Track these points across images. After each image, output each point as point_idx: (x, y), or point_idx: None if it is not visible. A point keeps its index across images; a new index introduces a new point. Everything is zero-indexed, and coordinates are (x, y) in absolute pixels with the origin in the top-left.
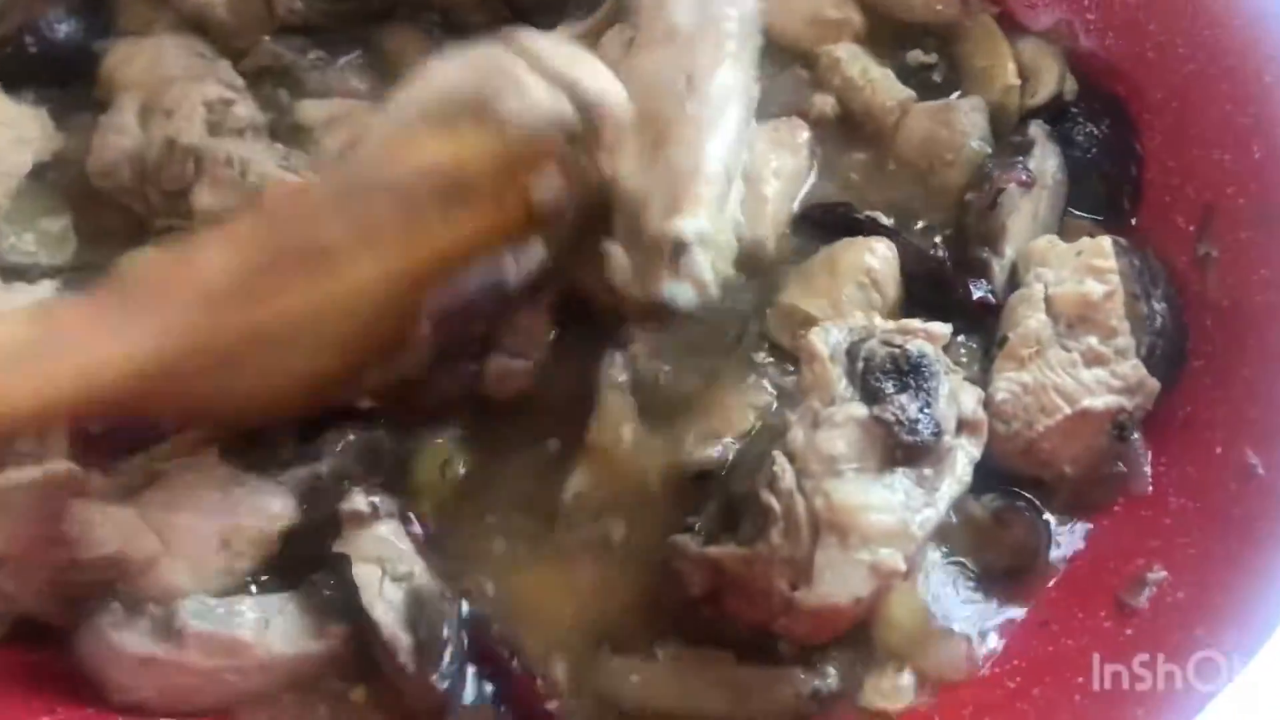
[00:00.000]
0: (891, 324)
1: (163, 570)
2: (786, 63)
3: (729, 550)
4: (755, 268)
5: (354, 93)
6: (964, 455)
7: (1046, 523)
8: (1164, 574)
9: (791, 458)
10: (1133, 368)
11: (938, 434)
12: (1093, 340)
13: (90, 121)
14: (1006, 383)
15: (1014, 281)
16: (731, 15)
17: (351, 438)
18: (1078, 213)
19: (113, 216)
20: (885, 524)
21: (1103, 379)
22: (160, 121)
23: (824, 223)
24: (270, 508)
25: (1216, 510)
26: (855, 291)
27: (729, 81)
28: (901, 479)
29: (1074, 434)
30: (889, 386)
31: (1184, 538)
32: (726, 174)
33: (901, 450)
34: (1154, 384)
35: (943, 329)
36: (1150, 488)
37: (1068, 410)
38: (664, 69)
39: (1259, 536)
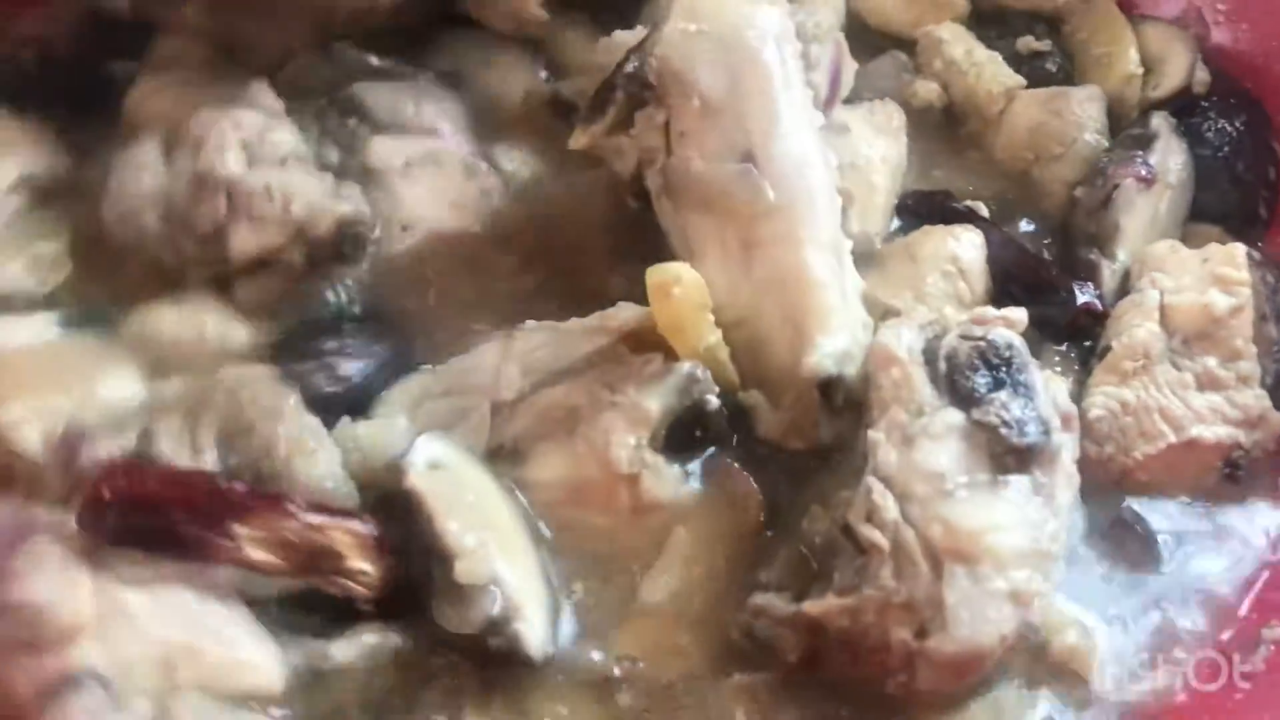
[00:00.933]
0: (964, 315)
1: (77, 651)
2: (883, 46)
3: (828, 603)
4: (862, 264)
5: (431, 129)
6: (1067, 453)
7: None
8: None
9: (888, 483)
10: (1255, 398)
11: (1047, 432)
12: (1211, 361)
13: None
14: (1104, 398)
15: (1125, 289)
16: (760, 38)
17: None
18: (1203, 219)
19: (134, 267)
20: (1016, 544)
21: (1218, 406)
22: (187, 155)
23: (919, 212)
24: (252, 664)
25: None
26: (940, 281)
27: (796, 124)
28: (1017, 489)
29: (1177, 466)
30: (981, 385)
31: None
32: (835, 249)
33: (1013, 456)
34: (1279, 419)
35: (1020, 314)
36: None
37: (1172, 438)
38: (717, 158)
39: None
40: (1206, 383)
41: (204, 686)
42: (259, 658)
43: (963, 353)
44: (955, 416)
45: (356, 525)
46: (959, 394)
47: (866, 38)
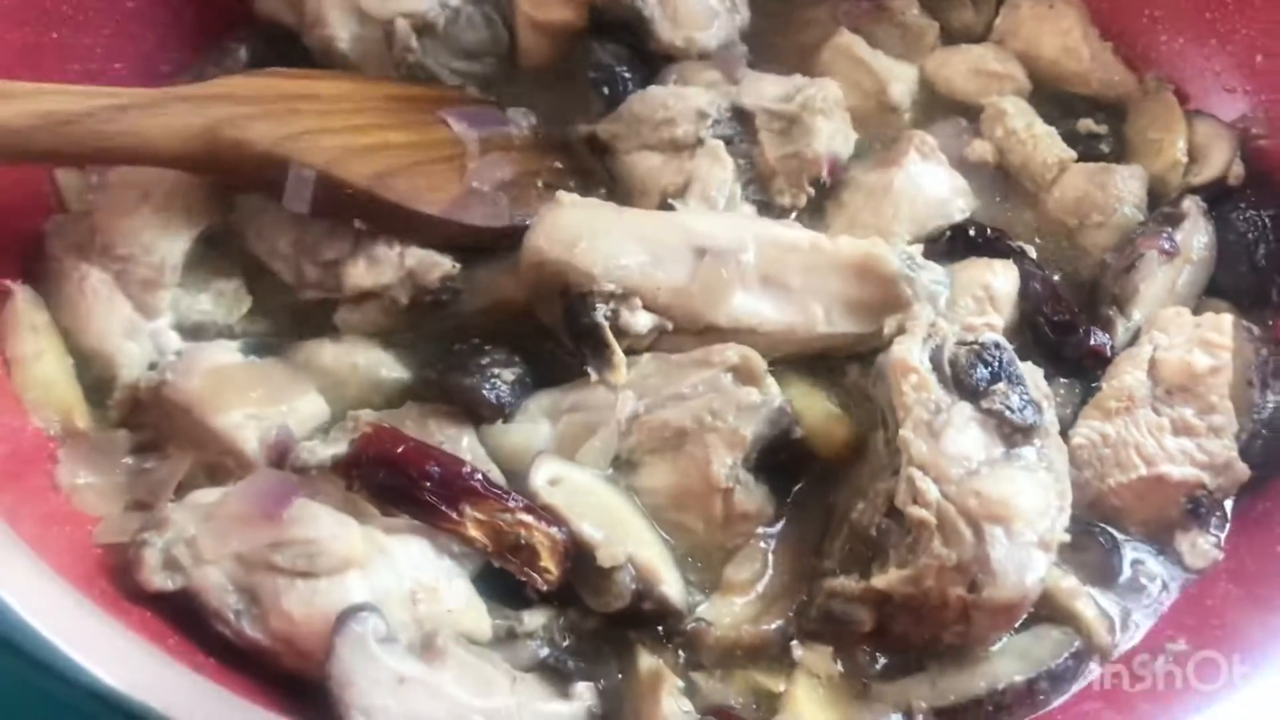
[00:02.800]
0: (955, 326)
1: (348, 581)
2: (946, 112)
3: (892, 575)
4: None
5: None
6: (1054, 426)
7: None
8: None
9: (924, 469)
10: (1223, 447)
11: (1041, 411)
12: (1187, 411)
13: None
14: (1088, 430)
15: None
16: None
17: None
18: (1219, 296)
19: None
20: (1035, 502)
21: (1188, 450)
22: None
23: (975, 243)
24: (473, 611)
25: (1262, 601)
26: (971, 304)
27: None
28: (1027, 459)
29: (1145, 496)
30: (982, 379)
31: (1216, 620)
32: None
33: (1020, 434)
34: (1243, 469)
35: (998, 320)
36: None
37: (1143, 471)
38: None
39: None
40: (1181, 429)
41: (434, 617)
42: (477, 607)
43: (962, 355)
44: (967, 408)
45: (555, 532)
46: (966, 389)
47: (935, 102)
